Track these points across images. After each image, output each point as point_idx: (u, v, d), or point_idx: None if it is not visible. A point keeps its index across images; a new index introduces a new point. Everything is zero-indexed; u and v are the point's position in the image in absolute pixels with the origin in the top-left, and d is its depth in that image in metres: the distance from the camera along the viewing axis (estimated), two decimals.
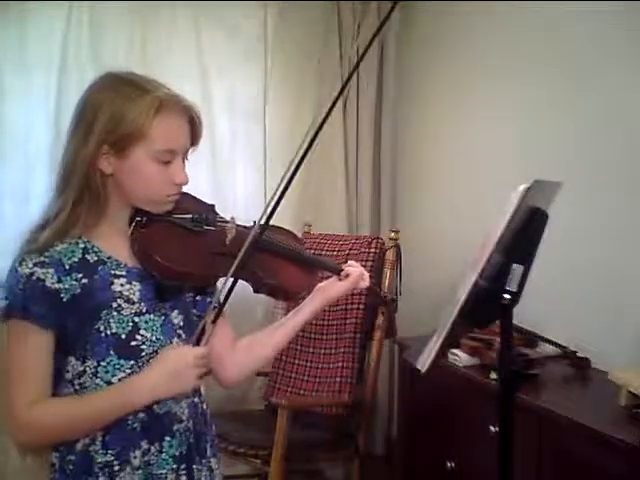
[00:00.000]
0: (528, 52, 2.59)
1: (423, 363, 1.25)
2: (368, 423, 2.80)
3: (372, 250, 2.85)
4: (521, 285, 1.22)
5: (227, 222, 1.37)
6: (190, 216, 1.32)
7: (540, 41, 2.53)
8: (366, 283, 1.51)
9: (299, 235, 3.11)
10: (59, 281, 1.20)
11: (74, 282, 1.21)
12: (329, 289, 1.48)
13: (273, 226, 1.47)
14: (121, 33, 3.04)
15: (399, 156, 3.52)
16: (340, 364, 2.77)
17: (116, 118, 1.20)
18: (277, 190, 1.29)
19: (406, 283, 2.81)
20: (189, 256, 1.29)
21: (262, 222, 1.27)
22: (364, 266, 2.72)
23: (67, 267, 1.21)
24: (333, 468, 3.11)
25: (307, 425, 2.65)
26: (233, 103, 3.23)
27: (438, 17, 3.21)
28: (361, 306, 2.78)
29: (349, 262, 1.52)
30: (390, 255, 2.82)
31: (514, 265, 1.22)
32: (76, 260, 1.22)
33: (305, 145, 1.32)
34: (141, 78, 1.26)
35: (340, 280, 1.48)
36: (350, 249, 2.90)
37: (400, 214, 3.52)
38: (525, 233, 1.22)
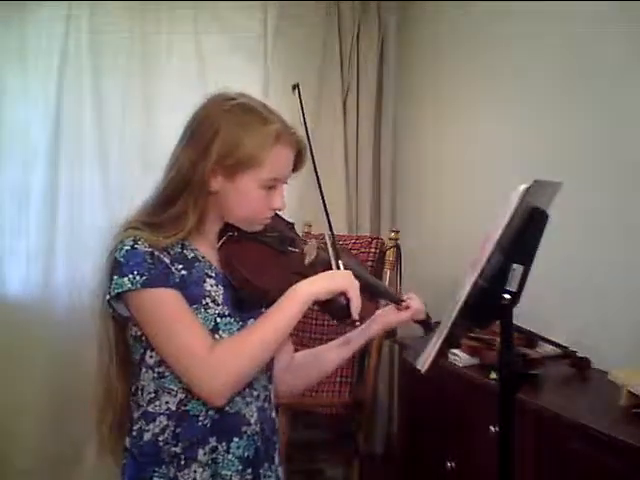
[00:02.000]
0: (528, 52, 2.59)
1: (423, 363, 1.25)
2: (368, 423, 2.80)
3: (372, 250, 2.85)
4: (521, 285, 1.22)
5: (306, 243, 1.43)
6: (277, 235, 1.38)
7: (540, 41, 2.53)
8: (422, 316, 1.52)
9: (301, 236, 3.12)
10: (171, 263, 1.24)
11: (176, 271, 1.24)
12: (389, 318, 1.49)
13: (346, 250, 1.52)
14: (121, 33, 3.04)
15: (399, 156, 3.52)
16: None
17: (235, 143, 1.25)
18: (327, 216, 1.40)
19: (406, 283, 2.81)
20: (269, 273, 1.33)
21: (333, 250, 1.34)
22: (364, 266, 2.79)
23: (170, 256, 1.25)
24: (333, 468, 3.11)
25: (307, 425, 2.65)
26: None
27: (438, 17, 3.21)
28: None
29: (409, 294, 1.52)
30: (390, 255, 2.82)
31: (514, 265, 1.21)
32: (176, 252, 1.27)
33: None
34: (257, 104, 1.32)
35: (399, 310, 1.49)
36: (350, 249, 2.90)
37: (400, 214, 3.52)
38: (525, 233, 1.22)
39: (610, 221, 2.23)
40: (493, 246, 1.19)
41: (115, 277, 1.20)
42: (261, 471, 1.31)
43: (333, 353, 1.49)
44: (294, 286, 1.25)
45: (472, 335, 2.26)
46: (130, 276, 1.19)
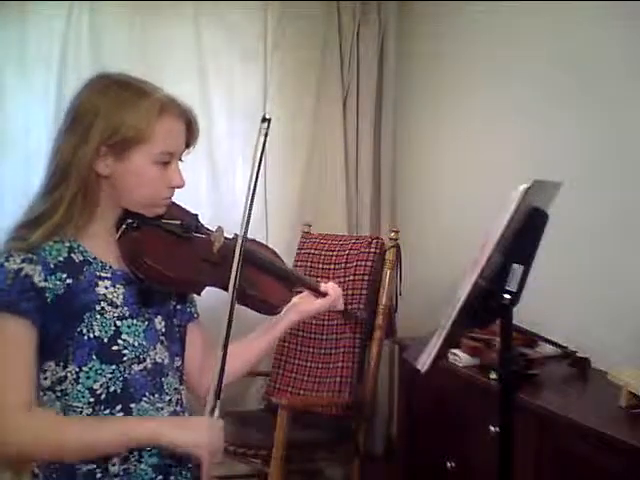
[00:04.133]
0: (528, 51, 2.59)
1: (423, 363, 1.25)
2: (368, 423, 2.80)
3: (372, 250, 2.85)
4: (521, 285, 1.22)
5: (214, 231, 1.36)
6: (179, 222, 1.31)
7: (541, 40, 2.53)
8: (341, 306, 1.54)
9: (300, 236, 3.12)
10: (45, 280, 1.16)
11: (58, 282, 1.17)
12: (305, 305, 1.51)
13: (256, 241, 1.49)
14: (121, 33, 3.04)
15: (399, 156, 3.52)
16: (340, 364, 2.77)
17: (116, 122, 1.19)
18: (247, 202, 1.29)
19: (406, 283, 2.82)
20: (178, 261, 1.27)
21: (243, 233, 1.27)
22: (364, 266, 2.80)
23: (52, 266, 1.17)
24: (333, 468, 3.11)
25: (307, 425, 2.65)
26: (232, 103, 3.23)
27: (438, 17, 3.21)
28: (361, 306, 2.78)
29: (329, 283, 1.54)
30: (390, 255, 2.82)
31: (514, 265, 1.22)
32: (61, 259, 1.19)
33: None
34: (137, 81, 1.26)
35: (317, 297, 1.50)
36: (350, 249, 2.90)
37: (400, 214, 3.52)
38: (525, 233, 1.22)
39: (610, 221, 2.23)
40: (493, 246, 1.19)
41: None
42: (172, 477, 1.26)
43: (248, 348, 1.46)
44: (143, 419, 1.19)
45: (472, 335, 2.26)
46: None
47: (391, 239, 2.84)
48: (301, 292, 1.54)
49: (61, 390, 1.19)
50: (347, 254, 2.90)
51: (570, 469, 1.77)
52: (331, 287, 1.52)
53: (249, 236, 1.41)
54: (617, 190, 2.21)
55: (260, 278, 1.41)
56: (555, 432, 1.81)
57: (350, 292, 2.78)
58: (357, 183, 3.49)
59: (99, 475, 1.19)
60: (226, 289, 1.24)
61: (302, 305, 1.51)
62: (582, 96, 2.35)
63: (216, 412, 1.19)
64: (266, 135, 1.28)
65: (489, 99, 2.86)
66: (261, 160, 1.28)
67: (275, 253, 1.55)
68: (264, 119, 1.28)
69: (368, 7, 3.43)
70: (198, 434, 1.17)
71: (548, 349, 2.24)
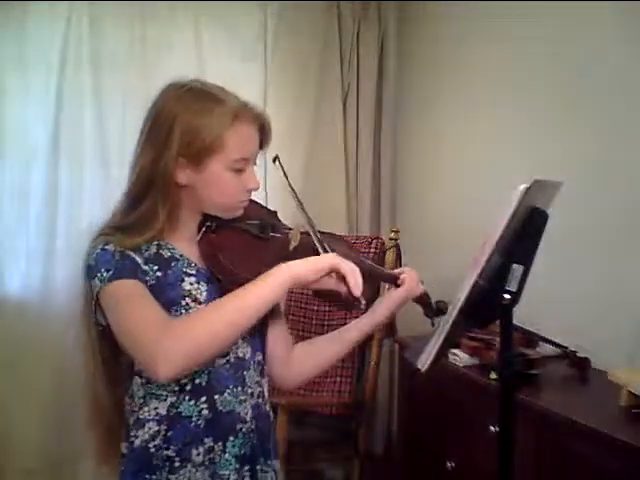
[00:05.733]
0: (529, 51, 2.59)
1: (423, 363, 1.25)
2: (368, 423, 2.80)
3: (372, 250, 2.85)
4: (521, 285, 1.22)
5: (291, 229, 1.39)
6: (258, 222, 1.35)
7: (541, 40, 2.53)
8: (417, 291, 1.45)
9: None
10: (145, 264, 1.22)
11: (151, 272, 1.22)
12: (391, 300, 1.44)
13: (333, 234, 1.48)
14: (121, 33, 3.04)
15: (399, 156, 3.52)
16: (340, 364, 2.77)
17: (192, 132, 1.21)
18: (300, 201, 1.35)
19: None
20: (253, 261, 1.29)
21: (315, 228, 1.30)
22: None
23: (144, 257, 1.23)
24: (333, 468, 3.11)
25: (307, 425, 2.65)
26: None
27: (438, 16, 3.21)
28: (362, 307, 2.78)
29: (404, 268, 1.47)
30: (390, 255, 2.82)
31: (514, 265, 1.22)
32: (151, 253, 1.25)
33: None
34: (210, 87, 1.28)
35: (397, 287, 1.44)
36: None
37: (400, 214, 3.52)
38: (525, 233, 1.22)
39: (610, 221, 2.23)
40: (493, 246, 1.19)
41: (91, 282, 1.19)
42: (258, 467, 1.31)
43: (335, 344, 1.47)
44: (277, 267, 1.18)
45: (472, 335, 2.26)
46: (99, 274, 1.18)
47: (391, 239, 2.84)
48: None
49: (147, 378, 1.23)
50: None
51: (570, 469, 1.77)
52: (407, 273, 1.44)
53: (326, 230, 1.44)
54: (617, 190, 2.21)
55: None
56: (555, 432, 1.81)
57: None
58: (357, 183, 3.50)
59: (177, 464, 1.22)
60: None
61: (389, 301, 1.44)
62: (582, 96, 2.35)
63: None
64: (283, 170, 1.37)
65: (489, 99, 2.86)
66: (293, 189, 1.37)
67: (350, 245, 1.53)
68: (273, 159, 1.37)
69: (368, 7, 3.43)
70: (327, 256, 1.22)
71: (548, 349, 2.24)
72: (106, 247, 1.20)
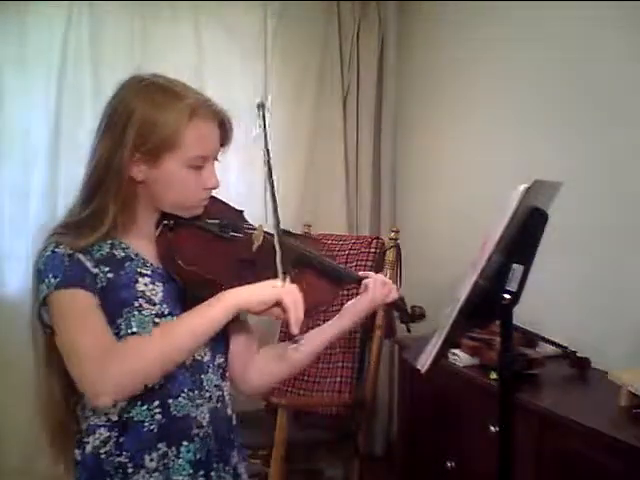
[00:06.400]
0: (529, 51, 2.59)
1: (423, 363, 1.25)
2: (368, 423, 2.80)
3: (372, 250, 2.85)
4: (521, 285, 1.22)
5: (254, 229, 1.35)
6: (218, 221, 1.30)
7: (541, 40, 2.53)
8: (389, 298, 1.41)
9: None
10: (95, 267, 1.19)
11: (102, 274, 1.19)
12: (357, 307, 1.41)
13: (300, 235, 1.45)
14: (121, 33, 3.04)
15: (399, 156, 3.52)
16: (340, 364, 2.77)
17: (148, 127, 1.18)
18: (273, 195, 1.29)
19: (406, 283, 2.81)
20: (212, 261, 1.25)
21: (276, 231, 1.25)
22: (364, 266, 2.80)
23: (95, 259, 1.20)
24: (333, 468, 3.11)
25: (307, 425, 2.65)
26: (232, 103, 3.22)
27: (438, 16, 3.21)
28: None
29: (370, 274, 1.43)
30: (390, 255, 2.82)
31: (514, 265, 1.21)
32: (103, 254, 1.21)
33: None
34: (170, 82, 1.25)
35: (362, 293, 1.41)
36: (350, 249, 2.90)
37: (400, 214, 3.52)
38: (525, 233, 1.22)
39: (610, 221, 2.23)
40: (493, 246, 1.19)
41: (39, 285, 1.16)
42: (213, 473, 1.26)
43: (302, 350, 1.39)
44: (225, 291, 1.16)
45: (472, 335, 2.26)
46: (47, 280, 1.15)
47: (391, 239, 2.84)
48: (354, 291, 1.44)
49: None
50: (347, 254, 2.90)
51: (570, 469, 1.77)
52: (373, 278, 1.41)
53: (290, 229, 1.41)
54: (618, 190, 2.21)
55: (303, 276, 1.35)
56: (555, 432, 1.81)
57: (350, 292, 2.78)
58: (357, 183, 3.50)
59: (131, 470, 1.19)
60: None
61: (354, 307, 1.41)
62: (582, 96, 2.35)
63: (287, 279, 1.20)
64: (264, 118, 1.28)
65: (489, 99, 2.86)
66: (267, 146, 1.29)
67: (315, 242, 1.50)
68: (258, 106, 1.29)
69: (368, 7, 3.43)
70: (271, 286, 1.17)
71: (548, 349, 2.24)
72: (56, 250, 1.17)
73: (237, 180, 3.28)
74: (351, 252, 2.89)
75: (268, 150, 1.29)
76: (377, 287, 1.40)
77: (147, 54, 3.07)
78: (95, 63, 3.00)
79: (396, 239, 2.82)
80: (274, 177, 1.31)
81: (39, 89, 2.96)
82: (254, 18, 3.27)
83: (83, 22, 2.98)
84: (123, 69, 3.22)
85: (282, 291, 1.16)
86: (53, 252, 1.17)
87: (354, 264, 2.85)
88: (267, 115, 1.30)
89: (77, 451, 1.23)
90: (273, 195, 1.29)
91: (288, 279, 1.20)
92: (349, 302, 1.44)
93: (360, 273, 1.45)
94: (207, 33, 3.19)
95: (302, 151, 3.37)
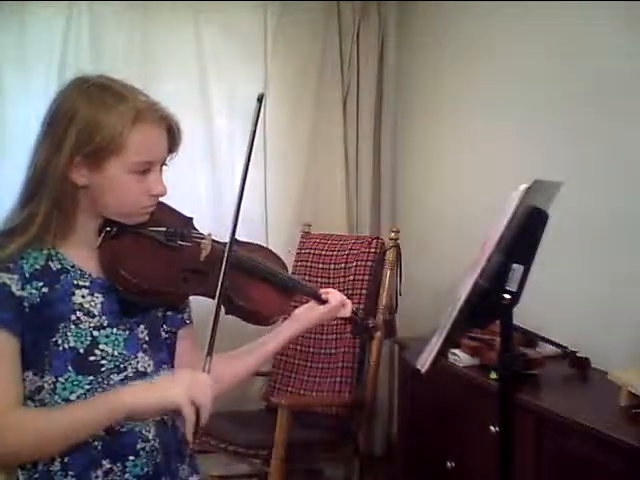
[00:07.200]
0: (529, 51, 2.59)
1: (423, 363, 1.25)
2: (368, 423, 2.80)
3: (372, 250, 2.85)
4: (521, 285, 1.22)
5: (203, 237, 1.29)
6: (164, 229, 1.24)
7: (541, 40, 2.53)
8: (347, 312, 1.45)
9: (299, 236, 3.12)
10: (22, 288, 1.14)
11: (34, 290, 1.15)
12: (306, 313, 1.43)
13: (253, 244, 1.42)
14: (121, 33, 3.04)
15: (399, 156, 3.52)
16: (340, 364, 2.77)
17: (90, 129, 1.13)
18: (238, 204, 1.25)
19: (406, 283, 2.82)
20: (158, 272, 1.21)
21: (230, 239, 1.21)
22: (364, 266, 2.80)
23: (28, 275, 1.15)
24: (333, 468, 3.11)
25: (307, 425, 2.65)
26: (232, 103, 3.24)
27: (438, 16, 3.21)
28: (361, 307, 2.78)
29: (328, 289, 1.45)
30: (390, 255, 2.82)
31: (514, 265, 1.22)
32: (38, 267, 1.16)
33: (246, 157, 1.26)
34: (116, 84, 1.19)
35: (320, 305, 1.42)
36: (350, 249, 2.90)
37: (400, 214, 3.52)
38: (525, 233, 1.22)
39: (610, 221, 2.23)
40: (493, 246, 1.19)
41: None
42: None
43: (245, 359, 1.39)
44: (120, 390, 1.12)
45: (472, 335, 2.26)
46: None
47: (391, 239, 2.84)
48: (308, 301, 1.45)
49: (39, 400, 1.16)
50: (347, 254, 2.90)
51: (570, 469, 1.77)
52: (331, 293, 1.44)
53: (247, 239, 1.36)
54: (617, 190, 2.21)
55: (252, 286, 1.33)
56: (555, 432, 1.81)
57: (350, 292, 2.78)
58: (357, 183, 3.50)
59: None
60: (214, 298, 1.18)
61: (304, 314, 1.43)
62: (582, 96, 2.35)
63: (207, 367, 1.13)
64: (259, 112, 1.22)
65: (489, 99, 2.86)
66: (252, 142, 1.23)
67: (274, 257, 1.45)
68: (259, 98, 1.23)
69: (368, 7, 3.43)
70: (172, 392, 1.09)
71: (548, 349, 2.24)
72: None
73: (237, 179, 3.28)
74: (351, 252, 2.89)
75: (252, 146, 1.24)
76: (338, 300, 1.43)
77: (147, 54, 3.07)
78: (95, 63, 2.99)
79: (396, 239, 2.83)
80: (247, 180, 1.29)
81: (39, 89, 2.96)
82: (254, 18, 3.27)
83: (83, 22, 2.98)
84: (123, 69, 3.23)
85: (184, 399, 1.07)
86: None
87: (354, 264, 2.85)
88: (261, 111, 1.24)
89: (22, 472, 1.18)
90: (240, 199, 1.25)
91: (208, 363, 1.13)
92: (299, 310, 1.44)
93: (321, 290, 1.45)
94: (207, 33, 3.19)
95: (302, 151, 3.37)
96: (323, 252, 2.97)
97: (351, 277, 2.83)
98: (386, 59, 3.49)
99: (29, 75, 2.94)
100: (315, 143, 3.40)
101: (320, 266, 2.95)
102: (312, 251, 3.00)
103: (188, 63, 3.15)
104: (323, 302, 1.43)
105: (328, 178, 3.43)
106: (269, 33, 3.29)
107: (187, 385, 1.09)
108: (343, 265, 2.89)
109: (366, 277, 2.80)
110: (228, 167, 3.25)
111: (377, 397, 3.08)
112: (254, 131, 1.23)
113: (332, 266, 2.92)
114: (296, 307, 1.46)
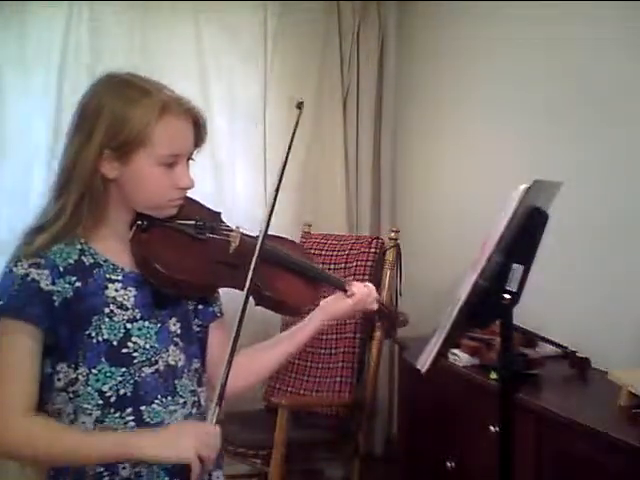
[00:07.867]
0: (530, 51, 2.59)
1: (423, 363, 1.25)
2: (368, 423, 2.80)
3: (372, 250, 2.85)
4: (521, 285, 1.22)
5: (232, 230, 1.32)
6: (193, 222, 1.28)
7: (541, 41, 2.53)
8: (374, 305, 1.46)
9: (299, 236, 3.12)
10: (53, 283, 1.17)
11: (67, 285, 1.18)
12: (333, 306, 1.44)
13: (279, 237, 1.44)
14: (121, 33, 3.04)
15: (399, 156, 3.52)
16: (340, 364, 2.77)
17: (118, 123, 1.17)
18: (274, 199, 1.26)
19: (406, 283, 2.82)
20: (189, 264, 1.23)
21: (263, 232, 1.23)
22: (364, 266, 2.80)
23: (61, 269, 1.18)
24: (333, 468, 3.11)
25: (307, 425, 2.65)
26: (233, 103, 3.24)
27: (438, 16, 3.21)
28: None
29: (354, 282, 1.47)
30: (390, 255, 2.82)
31: (514, 265, 1.22)
32: (71, 262, 1.20)
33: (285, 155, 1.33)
34: (142, 80, 1.24)
35: (347, 297, 1.44)
36: (350, 249, 2.90)
37: (400, 214, 3.52)
38: (525, 233, 1.22)
39: (611, 221, 2.23)
40: (493, 246, 1.19)
41: None
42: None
43: (273, 351, 1.42)
44: (131, 434, 1.16)
45: (472, 335, 2.26)
46: None
47: (391, 239, 2.84)
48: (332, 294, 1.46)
49: (73, 391, 1.19)
50: (347, 254, 2.90)
51: (570, 469, 1.77)
52: (357, 286, 1.45)
53: (274, 233, 1.38)
54: (617, 190, 2.21)
55: (280, 278, 1.35)
56: (555, 432, 1.81)
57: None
58: (357, 183, 3.50)
59: (107, 478, 1.19)
60: (242, 290, 1.20)
61: (330, 306, 1.44)
62: (582, 96, 2.35)
63: (214, 418, 1.14)
64: (298, 118, 1.33)
65: (489, 99, 2.86)
66: (290, 148, 1.30)
67: (302, 249, 1.50)
68: (297, 105, 1.32)
69: (368, 7, 3.43)
70: (182, 447, 1.11)
71: (548, 349, 2.24)
72: (13, 269, 1.17)
73: (238, 179, 3.29)
74: (351, 252, 2.89)
75: (289, 149, 1.31)
76: (364, 293, 1.44)
77: (147, 54, 3.07)
78: (95, 63, 2.99)
79: (396, 239, 2.83)
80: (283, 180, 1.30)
81: (39, 89, 2.96)
82: (254, 18, 3.27)
83: (83, 22, 2.98)
84: (123, 69, 3.23)
85: (193, 455, 1.10)
86: (10, 270, 1.18)
87: (354, 264, 2.85)
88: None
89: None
90: (275, 196, 1.27)
91: (215, 414, 1.14)
92: (325, 300, 1.45)
93: (350, 282, 1.47)
94: (207, 33, 3.19)
95: (302, 151, 3.37)
96: (323, 252, 2.97)
97: (351, 277, 2.82)
98: (386, 59, 3.49)
99: (29, 75, 2.94)
100: (315, 143, 3.40)
101: (320, 266, 2.95)
102: (312, 251, 3.00)
103: (188, 63, 3.15)
104: (349, 293, 1.44)
105: (328, 178, 3.43)
106: (269, 33, 3.29)
107: (195, 439, 1.12)
108: (343, 265, 2.89)
109: (366, 277, 2.80)
110: (228, 167, 3.26)
111: (377, 397, 3.08)
112: (292, 136, 1.34)
113: (332, 266, 2.92)
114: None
